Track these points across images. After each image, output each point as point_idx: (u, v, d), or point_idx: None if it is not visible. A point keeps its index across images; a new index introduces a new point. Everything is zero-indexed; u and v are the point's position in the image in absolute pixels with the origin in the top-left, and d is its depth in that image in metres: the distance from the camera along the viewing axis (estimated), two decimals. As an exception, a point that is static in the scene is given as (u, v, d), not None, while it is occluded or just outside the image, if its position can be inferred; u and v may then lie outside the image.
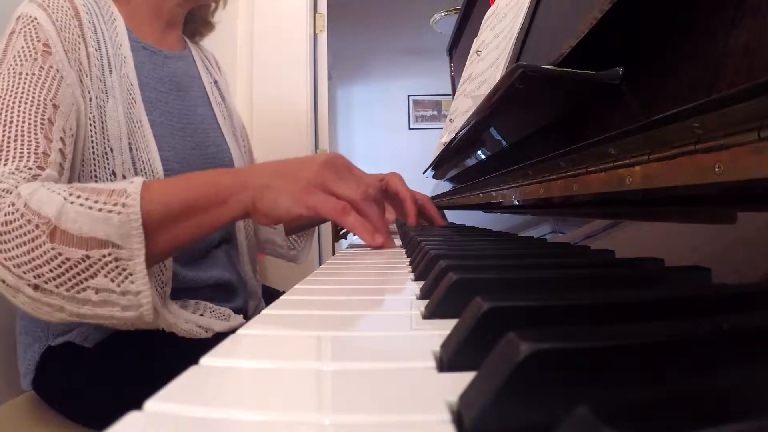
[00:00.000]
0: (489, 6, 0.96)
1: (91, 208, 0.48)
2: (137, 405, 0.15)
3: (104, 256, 0.48)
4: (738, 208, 0.27)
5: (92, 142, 0.61)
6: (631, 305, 0.20)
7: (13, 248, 0.47)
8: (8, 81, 0.56)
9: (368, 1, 3.50)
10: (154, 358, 0.62)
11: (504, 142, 0.64)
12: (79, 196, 0.48)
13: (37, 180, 0.52)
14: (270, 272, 1.90)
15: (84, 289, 0.48)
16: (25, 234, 0.47)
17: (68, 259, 0.47)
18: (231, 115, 0.86)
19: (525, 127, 0.55)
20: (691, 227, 0.32)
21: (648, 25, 0.33)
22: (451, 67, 1.86)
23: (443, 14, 2.87)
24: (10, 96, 0.55)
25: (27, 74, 0.56)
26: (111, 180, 0.62)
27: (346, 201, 0.54)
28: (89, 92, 0.62)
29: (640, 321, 0.19)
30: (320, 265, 0.54)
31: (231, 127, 0.85)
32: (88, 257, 0.47)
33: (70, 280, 0.48)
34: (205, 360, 0.19)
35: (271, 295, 0.87)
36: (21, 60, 0.57)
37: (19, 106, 0.54)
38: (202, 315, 0.67)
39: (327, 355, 0.21)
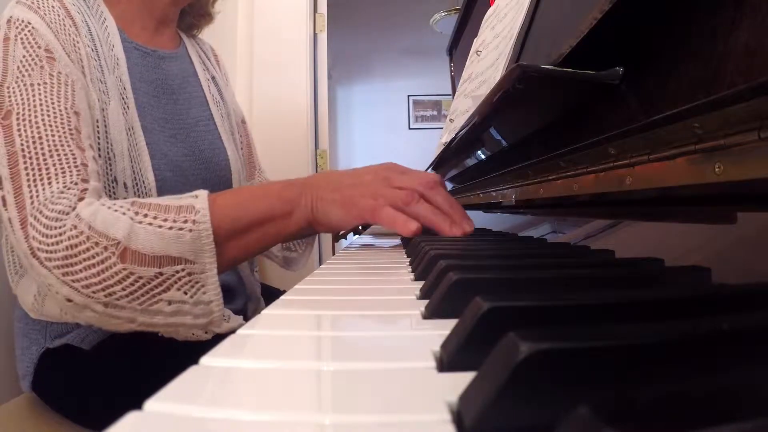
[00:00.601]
0: (489, 6, 0.96)
1: (161, 227, 0.49)
2: (137, 405, 0.15)
3: (177, 272, 0.49)
4: (738, 208, 0.27)
5: (98, 146, 0.59)
6: (631, 305, 0.20)
7: (80, 270, 0.47)
8: (21, 95, 0.53)
9: (368, 1, 3.50)
10: (153, 359, 0.61)
11: (504, 142, 0.64)
12: (146, 215, 0.49)
13: (87, 195, 0.51)
14: (270, 272, 1.90)
15: (157, 302, 0.49)
16: (94, 257, 0.47)
17: (141, 278, 0.48)
18: (229, 113, 0.84)
19: (525, 127, 0.55)
20: (691, 227, 0.33)
21: (648, 25, 0.33)
22: (451, 67, 1.86)
23: (443, 14, 2.86)
24: (29, 110, 0.53)
25: (38, 84, 0.54)
26: (113, 187, 0.61)
27: (410, 192, 0.56)
28: (91, 94, 0.60)
29: (640, 321, 0.19)
30: (320, 265, 0.54)
31: (229, 125, 0.83)
32: (161, 274, 0.49)
33: (143, 295, 0.49)
34: (205, 360, 0.19)
35: (271, 295, 0.86)
36: (27, 70, 0.54)
37: (43, 120, 0.52)
38: None
39: (327, 355, 0.21)
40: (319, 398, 0.17)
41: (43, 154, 0.51)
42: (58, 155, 0.52)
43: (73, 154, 0.53)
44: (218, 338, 0.21)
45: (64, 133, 0.53)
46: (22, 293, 0.59)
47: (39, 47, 0.56)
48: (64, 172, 0.51)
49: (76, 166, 0.52)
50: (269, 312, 0.28)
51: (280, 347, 0.22)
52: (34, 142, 0.51)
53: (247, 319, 0.79)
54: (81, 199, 0.51)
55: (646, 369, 0.14)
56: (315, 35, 2.10)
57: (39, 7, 0.58)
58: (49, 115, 0.53)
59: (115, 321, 0.50)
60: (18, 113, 0.52)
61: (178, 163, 0.70)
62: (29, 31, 0.56)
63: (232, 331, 0.24)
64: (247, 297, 0.81)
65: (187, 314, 0.51)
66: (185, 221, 0.49)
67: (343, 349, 0.22)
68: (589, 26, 0.33)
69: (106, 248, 0.47)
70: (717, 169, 0.23)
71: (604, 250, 0.41)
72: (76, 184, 0.51)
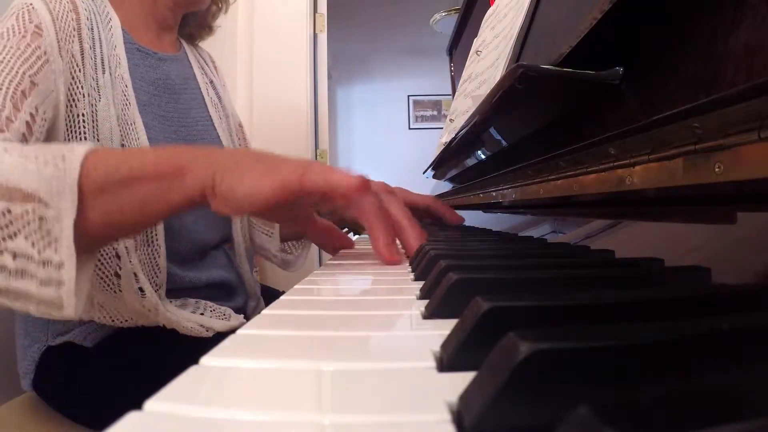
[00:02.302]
0: (489, 6, 0.96)
1: (26, 158, 0.42)
2: (137, 405, 0.15)
3: (27, 213, 0.40)
4: (738, 208, 0.27)
5: (82, 140, 0.60)
6: (631, 305, 0.20)
7: None
8: None
9: (368, 1, 3.50)
10: (154, 358, 0.62)
11: (504, 142, 0.64)
12: (22, 150, 0.43)
13: None
14: (270, 272, 1.90)
15: (1, 252, 0.41)
16: None
17: None
18: (227, 116, 0.86)
19: (525, 127, 0.55)
20: (691, 227, 0.33)
21: (648, 24, 0.33)
22: (451, 67, 1.86)
23: (443, 14, 2.87)
24: None
25: (11, 48, 0.56)
26: None
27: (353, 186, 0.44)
28: (81, 88, 0.61)
29: (640, 321, 0.19)
30: (320, 265, 0.54)
31: (227, 127, 0.84)
32: (9, 211, 0.40)
33: None
34: (205, 360, 0.19)
35: (271, 295, 0.87)
36: (8, 35, 0.57)
37: None
38: (202, 314, 0.67)
39: (327, 355, 0.21)
40: (319, 398, 0.17)
41: None
42: None
43: (2, 106, 0.52)
44: (218, 338, 0.21)
45: (8, 89, 0.53)
46: None
47: (30, 22, 0.58)
48: None
49: None
50: (269, 312, 0.28)
51: (280, 347, 0.22)
52: None
53: (247, 317, 0.79)
54: None
55: (646, 369, 0.14)
56: (315, 35, 2.10)
57: None
58: (3, 70, 0.54)
59: None
60: None
61: None
62: (28, 9, 0.59)
63: (233, 331, 0.24)
64: (247, 295, 0.81)
65: (33, 277, 0.41)
66: (54, 157, 0.42)
67: (342, 349, 0.22)
68: (589, 26, 0.33)
69: None
70: (717, 169, 0.23)
71: (604, 250, 0.41)
72: None
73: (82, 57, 0.62)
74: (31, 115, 0.54)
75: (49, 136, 0.58)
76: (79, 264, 0.41)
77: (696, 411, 0.11)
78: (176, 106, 0.75)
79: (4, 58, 0.55)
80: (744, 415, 0.10)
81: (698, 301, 0.20)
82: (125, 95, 0.65)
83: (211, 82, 0.85)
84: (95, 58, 0.64)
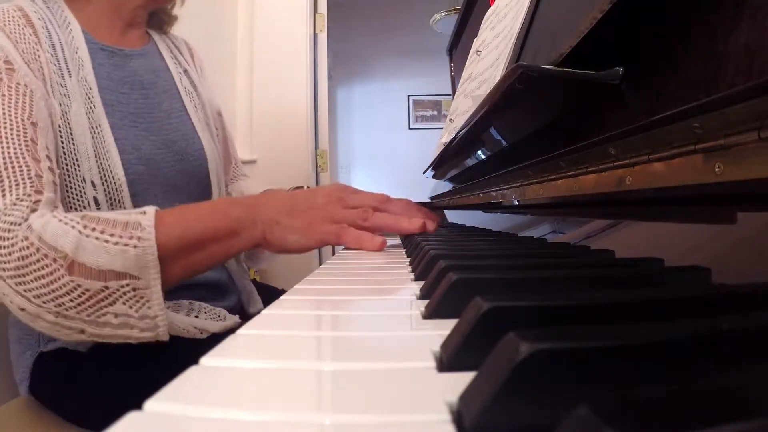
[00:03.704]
0: (489, 6, 0.96)
1: (107, 242, 0.50)
2: (136, 406, 0.15)
3: (122, 287, 0.50)
4: (738, 208, 0.27)
5: (63, 150, 0.61)
6: (631, 305, 0.20)
7: (31, 281, 0.49)
8: None
9: (368, 1, 3.51)
10: (152, 360, 0.61)
11: (504, 142, 0.64)
12: (93, 229, 0.50)
13: (39, 206, 0.52)
14: (270, 272, 1.90)
15: (104, 314, 0.50)
16: (43, 268, 0.49)
17: (87, 290, 0.49)
18: (203, 104, 0.84)
19: (525, 127, 0.55)
20: (691, 227, 0.33)
21: (648, 25, 0.33)
22: (451, 67, 1.86)
23: (443, 14, 2.87)
24: None
25: None
26: (82, 186, 0.62)
27: (365, 208, 0.59)
28: (53, 98, 0.61)
29: (640, 321, 0.19)
30: (320, 265, 0.54)
31: (203, 116, 0.83)
32: (106, 288, 0.50)
33: (90, 307, 0.50)
34: (205, 360, 0.19)
35: (270, 295, 0.86)
36: None
37: (1, 134, 0.54)
38: (197, 316, 0.67)
39: (327, 355, 0.21)
40: (319, 398, 0.17)
41: None
42: (13, 168, 0.53)
43: (27, 166, 0.54)
44: (218, 338, 0.21)
45: (20, 145, 0.54)
46: (9, 303, 0.59)
47: None
48: (17, 185, 0.52)
49: (30, 178, 0.53)
50: (269, 312, 0.28)
51: (280, 347, 0.22)
52: None
53: (244, 310, 0.79)
54: (33, 210, 0.52)
55: (646, 369, 0.14)
56: (315, 35, 2.10)
57: None
58: (5, 128, 0.54)
59: (66, 331, 0.51)
60: None
61: (151, 157, 0.70)
62: None
63: (232, 331, 0.24)
64: (239, 292, 0.81)
65: (134, 327, 0.52)
66: (131, 237, 0.50)
67: (343, 349, 0.22)
68: (589, 26, 0.33)
69: (54, 260, 0.49)
70: (717, 169, 0.23)
71: (604, 250, 0.41)
72: (29, 195, 0.52)
73: (48, 67, 0.62)
74: (47, 157, 0.57)
75: None
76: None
77: (696, 411, 0.11)
78: (146, 101, 0.74)
79: (1, 115, 0.55)
80: (744, 415, 0.10)
81: (698, 301, 0.20)
82: (89, 98, 0.65)
83: (185, 71, 0.84)
84: (59, 63, 0.63)
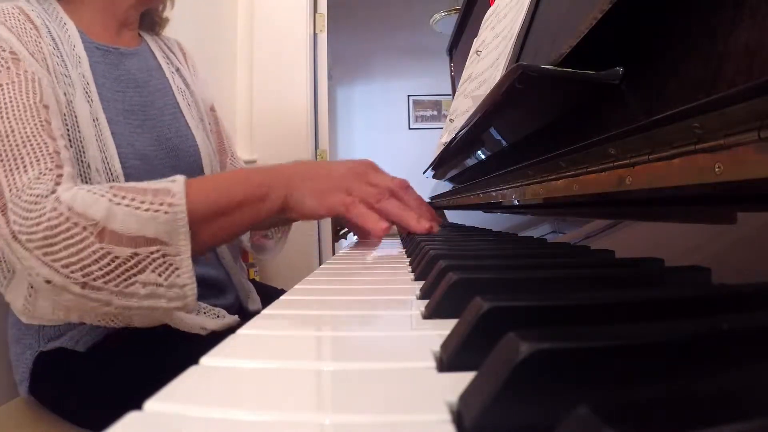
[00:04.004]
0: (489, 6, 0.96)
1: (138, 208, 0.50)
2: (135, 406, 0.15)
3: (152, 253, 0.50)
4: (738, 208, 0.27)
5: (69, 136, 0.62)
6: (631, 305, 0.20)
7: (60, 250, 0.48)
8: None
9: (368, 1, 3.50)
10: (152, 359, 0.61)
11: (504, 142, 0.64)
12: (124, 197, 0.50)
13: (63, 179, 0.53)
14: (270, 272, 1.90)
15: (132, 284, 0.50)
16: (73, 236, 0.48)
17: (117, 257, 0.49)
18: (197, 102, 0.86)
19: (525, 127, 0.55)
20: (691, 227, 0.32)
21: (648, 25, 0.33)
22: (451, 67, 1.86)
23: (443, 14, 2.87)
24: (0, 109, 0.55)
25: (6, 84, 0.56)
26: (87, 172, 0.62)
27: (383, 189, 0.59)
28: (59, 88, 0.62)
29: (640, 321, 0.19)
30: (320, 265, 0.55)
31: (197, 113, 0.85)
32: (136, 254, 0.49)
33: (119, 276, 0.50)
34: (205, 360, 0.19)
35: (270, 295, 0.86)
36: None
37: (14, 114, 0.55)
38: (197, 314, 0.67)
39: (327, 355, 0.21)
40: (319, 398, 0.17)
41: (17, 146, 0.53)
42: (32, 145, 0.54)
43: (45, 144, 0.54)
44: (218, 338, 0.21)
45: (35, 125, 0.55)
46: (13, 297, 0.59)
47: (3, 50, 0.58)
48: (38, 160, 0.53)
49: (49, 154, 0.54)
50: (269, 312, 0.28)
51: (280, 347, 0.22)
52: (6, 136, 0.53)
53: (243, 309, 0.79)
54: (58, 183, 0.52)
55: (646, 369, 0.14)
56: (315, 35, 2.10)
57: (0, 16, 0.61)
58: (19, 110, 0.55)
59: (92, 304, 0.50)
60: None
61: (145, 153, 0.71)
62: None
63: (232, 331, 0.24)
64: (236, 292, 0.81)
65: (162, 297, 0.52)
66: (161, 203, 0.50)
67: (343, 349, 0.22)
68: (589, 26, 0.33)
69: (84, 228, 0.49)
70: (717, 169, 0.23)
71: (604, 250, 0.41)
72: (51, 170, 0.53)
73: (52, 59, 0.63)
74: (62, 136, 0.58)
75: None
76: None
77: (696, 411, 0.11)
78: (140, 99, 0.75)
79: (9, 97, 0.56)
80: (744, 415, 0.10)
81: (698, 301, 0.20)
82: (87, 92, 0.66)
83: (178, 69, 0.86)
84: (61, 56, 0.65)
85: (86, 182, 0.62)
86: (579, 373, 0.13)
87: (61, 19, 0.69)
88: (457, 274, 0.26)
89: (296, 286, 0.37)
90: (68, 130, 0.61)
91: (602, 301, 0.20)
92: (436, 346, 0.20)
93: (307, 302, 0.32)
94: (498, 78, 0.58)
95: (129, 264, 0.49)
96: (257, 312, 0.29)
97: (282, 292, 0.58)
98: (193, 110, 0.84)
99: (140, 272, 0.50)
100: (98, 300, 0.50)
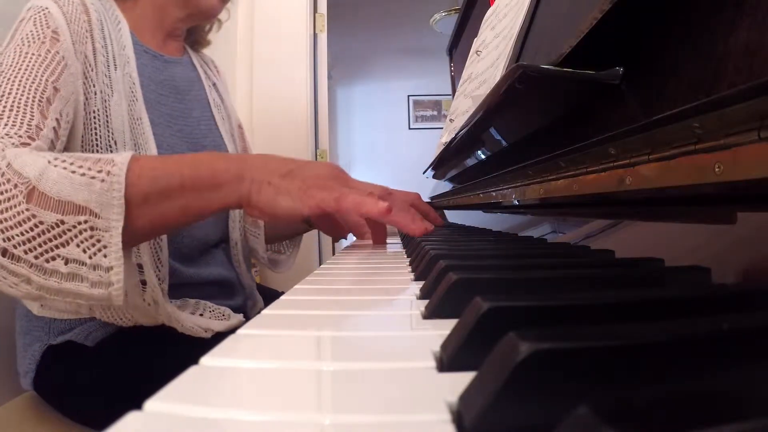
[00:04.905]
0: (489, 6, 0.96)
1: (74, 172, 0.46)
2: (137, 405, 0.15)
3: (79, 223, 0.45)
4: (738, 208, 0.27)
5: (96, 135, 0.62)
6: (631, 305, 0.20)
7: None
8: (13, 58, 0.56)
9: (368, 1, 3.50)
10: (155, 358, 0.61)
11: (504, 142, 0.64)
12: (64, 161, 0.47)
13: (26, 149, 0.50)
14: (270, 272, 1.90)
15: (53, 258, 0.45)
16: (2, 192, 0.45)
17: (41, 223, 0.45)
18: (229, 116, 0.88)
19: (525, 126, 0.55)
20: (691, 227, 0.32)
21: (648, 25, 0.33)
22: (451, 67, 1.86)
23: (443, 14, 2.87)
24: (13, 71, 0.55)
25: (33, 54, 0.57)
26: None
27: (366, 192, 0.54)
28: (94, 86, 0.62)
29: (640, 321, 0.19)
30: (320, 265, 0.54)
31: (229, 127, 0.87)
32: (62, 222, 0.45)
33: (40, 245, 0.45)
34: (205, 360, 0.19)
35: (270, 296, 0.87)
36: (28, 42, 0.58)
37: (20, 81, 0.55)
38: (201, 315, 0.68)
39: (327, 355, 0.21)
40: (319, 398, 0.17)
41: (4, 107, 0.53)
42: (18, 111, 0.53)
43: (32, 115, 0.54)
44: (218, 338, 0.21)
45: (33, 97, 0.55)
46: None
47: (48, 27, 0.59)
48: (14, 124, 0.52)
49: (29, 125, 0.53)
50: (269, 312, 0.28)
51: (281, 347, 0.22)
52: (2, 95, 0.53)
53: (247, 316, 0.79)
54: (15, 147, 0.50)
55: (646, 369, 0.14)
56: (315, 35, 2.10)
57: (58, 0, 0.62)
58: (27, 79, 0.55)
59: (12, 279, 0.46)
60: (4, 73, 0.55)
61: None
62: (44, 13, 0.60)
63: (233, 331, 0.24)
64: (245, 295, 0.81)
65: (84, 279, 0.46)
66: (99, 170, 0.46)
67: (343, 349, 0.22)
68: (589, 26, 0.33)
69: (15, 185, 0.45)
70: (717, 169, 0.23)
71: (604, 250, 0.41)
72: (20, 136, 0.51)
73: (95, 55, 0.63)
74: (57, 120, 0.56)
75: (69, 136, 0.59)
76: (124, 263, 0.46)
77: (696, 411, 0.11)
78: (181, 106, 0.77)
79: (27, 65, 0.56)
80: (744, 415, 0.10)
81: (698, 301, 0.20)
82: (132, 92, 0.67)
83: (214, 84, 0.88)
84: (107, 55, 0.65)
85: None
86: (579, 373, 0.13)
87: (116, 17, 0.71)
88: (457, 274, 0.26)
89: (296, 286, 0.37)
90: (97, 127, 0.62)
91: (602, 301, 0.20)
92: (436, 346, 0.20)
93: (307, 302, 0.32)
94: (498, 78, 0.58)
95: (53, 233, 0.45)
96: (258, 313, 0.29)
97: (282, 292, 0.58)
98: (226, 124, 0.86)
99: (64, 244, 0.45)
100: (16, 273, 0.46)
